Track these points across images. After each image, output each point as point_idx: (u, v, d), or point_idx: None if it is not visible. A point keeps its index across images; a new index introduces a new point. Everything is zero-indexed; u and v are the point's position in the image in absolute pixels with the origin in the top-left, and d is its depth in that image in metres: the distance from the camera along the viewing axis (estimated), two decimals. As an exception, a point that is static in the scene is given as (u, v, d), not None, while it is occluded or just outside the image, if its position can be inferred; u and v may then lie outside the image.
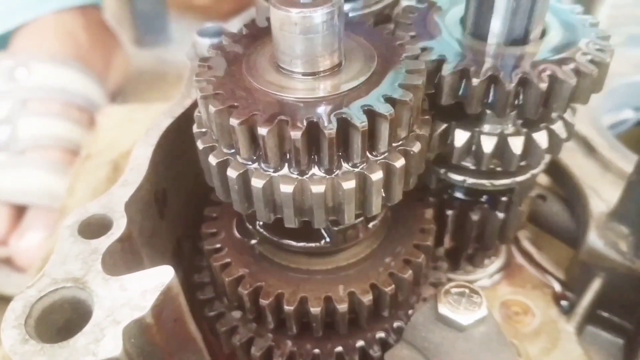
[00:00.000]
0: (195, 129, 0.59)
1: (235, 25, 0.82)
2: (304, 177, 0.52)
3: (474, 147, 0.63)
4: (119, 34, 1.80)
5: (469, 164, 0.66)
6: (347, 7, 0.70)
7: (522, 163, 0.64)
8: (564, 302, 0.78)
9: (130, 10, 1.93)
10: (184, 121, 0.68)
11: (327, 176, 0.52)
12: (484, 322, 0.59)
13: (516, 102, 0.58)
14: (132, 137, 0.68)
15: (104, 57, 1.68)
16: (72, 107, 1.51)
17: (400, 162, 0.54)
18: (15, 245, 1.31)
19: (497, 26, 0.59)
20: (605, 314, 0.76)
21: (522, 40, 0.60)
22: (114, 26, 1.78)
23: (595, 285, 0.74)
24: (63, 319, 0.51)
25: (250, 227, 0.67)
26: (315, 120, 0.50)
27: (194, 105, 0.71)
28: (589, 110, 0.77)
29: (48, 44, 1.55)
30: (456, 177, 0.68)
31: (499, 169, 0.65)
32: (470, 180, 0.68)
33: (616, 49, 0.61)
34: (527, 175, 0.68)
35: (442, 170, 0.69)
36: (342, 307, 0.61)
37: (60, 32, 1.58)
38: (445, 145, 0.65)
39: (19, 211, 1.36)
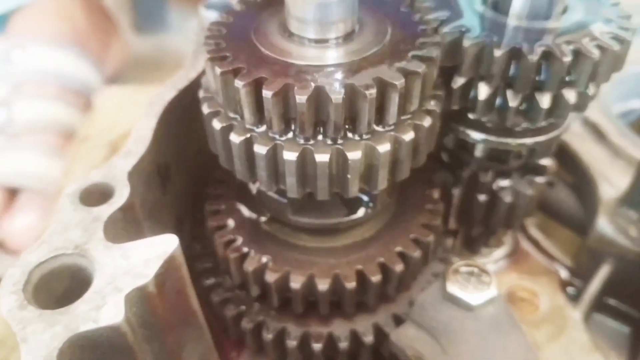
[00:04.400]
0: (201, 93, 0.58)
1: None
2: (309, 145, 0.51)
3: (498, 101, 0.61)
4: (118, 20, 1.78)
5: (490, 120, 0.64)
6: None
7: (548, 120, 0.62)
8: (570, 289, 0.77)
9: (129, -4, 1.91)
10: (188, 95, 0.67)
11: (333, 145, 0.51)
12: (493, 302, 0.58)
13: (537, 77, 0.57)
14: (130, 118, 0.67)
15: (101, 42, 1.66)
16: (69, 90, 1.48)
17: (409, 136, 0.53)
18: (7, 228, 1.29)
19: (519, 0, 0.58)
20: (613, 302, 0.75)
21: (544, 14, 0.59)
22: (112, 11, 1.76)
23: (603, 272, 0.73)
24: (62, 288, 0.50)
25: (259, 203, 0.66)
26: (322, 85, 0.48)
27: (199, 79, 0.69)
28: (599, 98, 0.76)
29: (45, 26, 1.53)
30: (476, 136, 0.66)
31: (523, 125, 0.63)
32: (490, 139, 0.66)
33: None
34: (550, 135, 0.66)
35: (461, 129, 0.67)
36: (350, 285, 0.60)
37: (58, 15, 1.56)
38: (466, 99, 0.63)
39: (12, 194, 1.34)
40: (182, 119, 0.68)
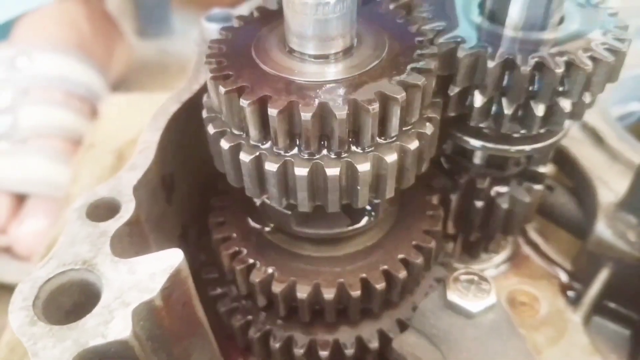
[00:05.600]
0: (205, 114, 0.59)
1: (242, 11, 0.82)
2: (318, 160, 0.52)
3: (494, 109, 0.62)
4: (122, 25, 1.79)
5: (487, 127, 0.65)
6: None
7: (544, 127, 0.63)
8: (570, 293, 0.78)
9: (132, 1, 1.92)
10: (192, 107, 0.68)
11: (342, 159, 0.52)
12: (493, 309, 0.59)
13: (531, 87, 0.57)
14: (136, 126, 0.68)
15: (106, 47, 1.67)
16: (74, 96, 1.50)
17: (414, 144, 0.54)
18: (15, 233, 1.30)
19: (515, 11, 0.59)
20: (612, 305, 0.76)
21: (540, 26, 0.60)
22: (116, 17, 1.78)
23: (603, 275, 0.74)
24: (71, 302, 0.51)
25: (263, 214, 0.67)
26: (326, 102, 0.49)
27: (202, 91, 0.70)
28: (598, 101, 0.77)
29: (50, 32, 1.55)
30: (474, 142, 0.67)
31: (519, 133, 0.64)
32: (488, 145, 0.67)
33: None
34: (547, 142, 0.67)
35: (459, 135, 0.68)
36: (355, 293, 0.61)
37: (63, 21, 1.58)
38: (463, 106, 0.63)
39: (19, 200, 1.36)
40: (186, 129, 0.69)
